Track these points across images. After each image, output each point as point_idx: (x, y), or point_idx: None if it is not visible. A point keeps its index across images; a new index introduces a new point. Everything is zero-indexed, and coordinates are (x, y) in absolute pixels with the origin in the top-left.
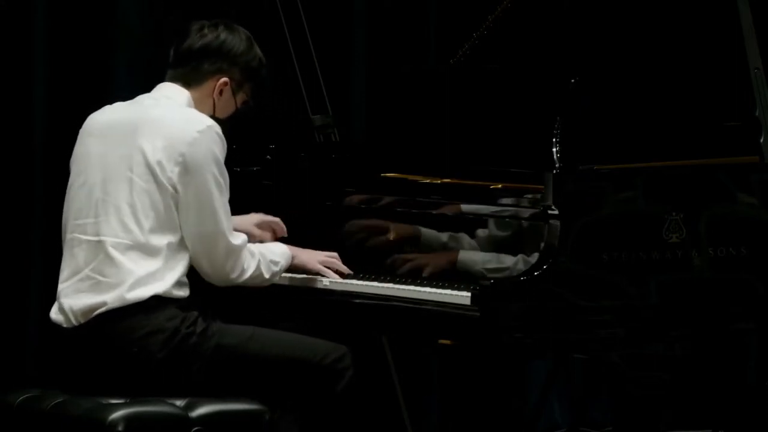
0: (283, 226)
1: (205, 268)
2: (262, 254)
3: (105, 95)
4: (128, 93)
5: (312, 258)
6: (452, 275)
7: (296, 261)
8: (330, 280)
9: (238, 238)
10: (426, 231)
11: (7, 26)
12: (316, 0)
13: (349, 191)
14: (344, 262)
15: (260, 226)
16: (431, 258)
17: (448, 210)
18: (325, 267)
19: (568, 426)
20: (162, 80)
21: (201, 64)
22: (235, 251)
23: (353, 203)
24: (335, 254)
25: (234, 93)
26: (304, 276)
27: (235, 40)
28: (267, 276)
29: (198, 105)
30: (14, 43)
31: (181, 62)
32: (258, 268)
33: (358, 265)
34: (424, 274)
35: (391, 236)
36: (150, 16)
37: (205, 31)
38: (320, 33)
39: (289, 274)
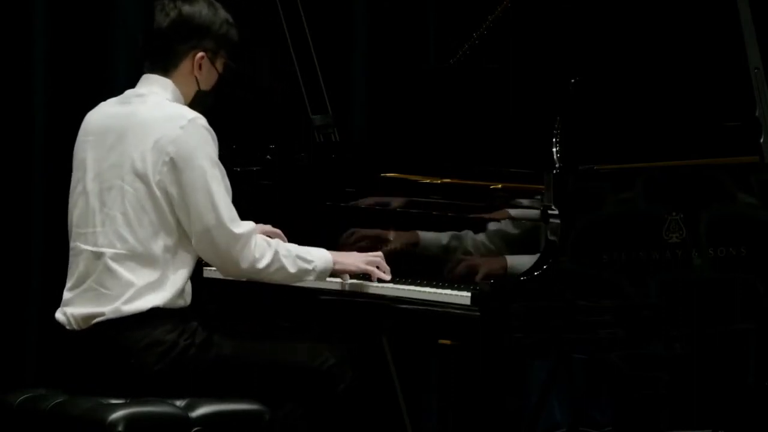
0: (284, 236)
1: (215, 262)
2: (288, 249)
3: (105, 95)
4: None
5: (356, 260)
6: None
7: (338, 267)
8: (331, 280)
9: (242, 226)
10: (425, 235)
11: (7, 26)
12: (316, 0)
13: (349, 191)
14: None
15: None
16: (483, 263)
17: (448, 210)
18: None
19: (568, 426)
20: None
21: (172, 47)
22: (239, 239)
23: (353, 203)
24: (380, 254)
25: (212, 62)
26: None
27: (196, 10)
28: (293, 270)
29: (182, 87)
30: (14, 43)
31: (153, 51)
32: (277, 260)
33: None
34: (477, 278)
35: (391, 243)
36: (150, 15)
37: (167, 9)
38: (320, 33)
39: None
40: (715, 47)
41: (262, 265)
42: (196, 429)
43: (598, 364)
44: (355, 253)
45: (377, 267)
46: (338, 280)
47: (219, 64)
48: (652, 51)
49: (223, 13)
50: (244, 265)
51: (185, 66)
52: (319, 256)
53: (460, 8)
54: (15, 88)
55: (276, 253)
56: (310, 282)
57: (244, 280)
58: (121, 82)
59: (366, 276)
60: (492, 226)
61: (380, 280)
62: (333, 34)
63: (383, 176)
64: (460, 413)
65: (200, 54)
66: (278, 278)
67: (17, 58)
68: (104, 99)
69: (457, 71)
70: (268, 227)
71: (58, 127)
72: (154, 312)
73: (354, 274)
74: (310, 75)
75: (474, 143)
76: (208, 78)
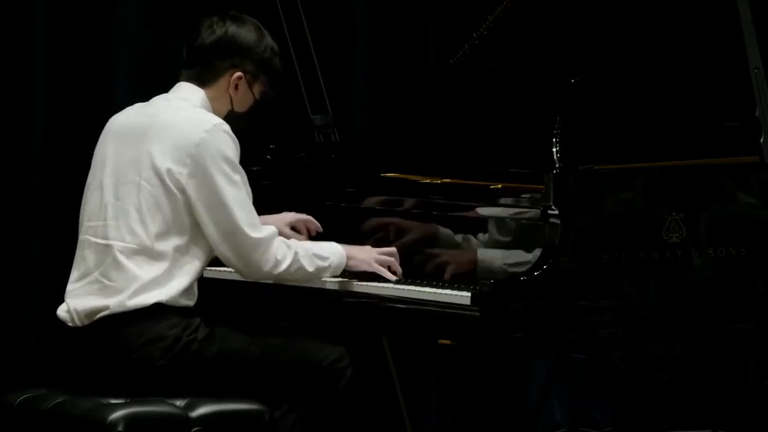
0: (317, 223)
1: (236, 265)
2: (305, 248)
3: (105, 96)
4: (128, 93)
5: (369, 257)
6: (472, 274)
7: (351, 262)
8: (330, 280)
9: (263, 231)
10: (443, 230)
11: (7, 26)
12: (316, 0)
13: (349, 191)
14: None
15: (294, 225)
16: (451, 257)
17: (448, 210)
18: (382, 267)
19: (568, 426)
20: (163, 79)
21: (213, 61)
22: (261, 244)
23: (353, 203)
24: (393, 250)
25: (250, 86)
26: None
27: (244, 32)
28: (311, 270)
29: (214, 102)
30: (14, 44)
31: (194, 61)
32: (296, 260)
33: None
34: (446, 276)
35: (408, 237)
36: (150, 15)
37: (214, 26)
38: (320, 33)
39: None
40: (715, 47)
41: (283, 267)
42: (196, 429)
43: (598, 364)
44: (368, 248)
45: (389, 267)
46: (337, 280)
47: (257, 90)
48: (652, 51)
49: (269, 41)
50: (266, 268)
51: (222, 83)
52: (333, 252)
53: (460, 8)
54: (15, 88)
55: (296, 254)
56: (311, 283)
57: (269, 282)
58: (122, 82)
59: (374, 277)
60: (492, 226)
61: (361, 279)
62: (333, 34)
63: (383, 176)
64: (460, 413)
65: (238, 74)
66: (298, 278)
67: (17, 58)
68: (105, 99)
69: (457, 71)
70: (303, 216)
71: (58, 127)
72: (158, 307)
73: (364, 274)
74: (310, 75)
75: (474, 143)
76: (243, 100)
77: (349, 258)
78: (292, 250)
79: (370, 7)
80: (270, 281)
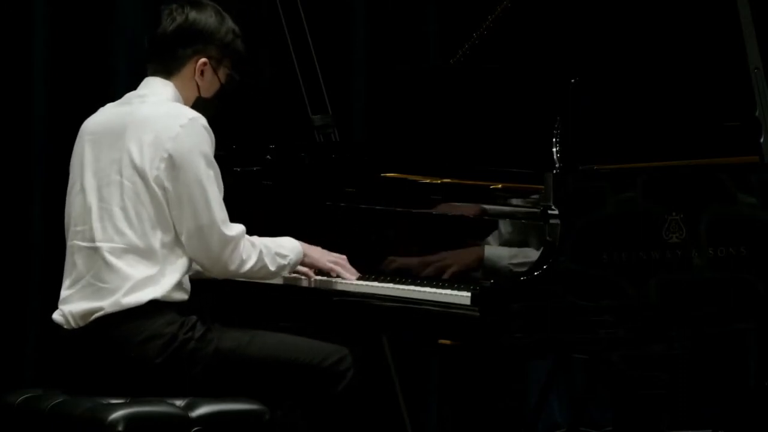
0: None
1: (203, 261)
2: (267, 246)
3: (106, 96)
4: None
5: (323, 257)
6: (475, 273)
7: (307, 259)
8: (325, 278)
9: (234, 229)
10: (443, 230)
11: (7, 27)
12: (316, 0)
13: (349, 191)
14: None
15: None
16: (457, 256)
17: (448, 210)
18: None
19: (568, 426)
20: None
21: (176, 50)
22: (231, 242)
23: (353, 203)
24: (344, 257)
25: (215, 70)
26: (296, 276)
27: (203, 17)
28: (273, 269)
29: (183, 91)
30: (14, 44)
31: (157, 53)
32: (261, 259)
33: (362, 264)
34: (449, 273)
35: (408, 237)
36: (150, 16)
37: (174, 14)
38: (320, 33)
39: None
40: (715, 47)
41: (248, 266)
42: (196, 429)
43: (598, 364)
44: (320, 249)
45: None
46: (338, 279)
47: (222, 74)
48: (652, 51)
49: (230, 24)
50: (233, 267)
51: (187, 70)
52: (292, 249)
53: (460, 8)
54: (15, 88)
55: (260, 252)
56: (311, 282)
57: (223, 278)
58: (122, 82)
59: (372, 276)
60: (492, 226)
61: (361, 279)
62: (333, 35)
63: (383, 176)
64: (460, 413)
65: (203, 60)
66: (259, 276)
67: (17, 59)
68: (105, 100)
69: (457, 71)
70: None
71: (58, 127)
72: (153, 305)
73: (319, 271)
74: (310, 75)
75: (474, 143)
76: (209, 86)
77: (305, 255)
78: (257, 248)
79: (369, 8)
80: (233, 278)
